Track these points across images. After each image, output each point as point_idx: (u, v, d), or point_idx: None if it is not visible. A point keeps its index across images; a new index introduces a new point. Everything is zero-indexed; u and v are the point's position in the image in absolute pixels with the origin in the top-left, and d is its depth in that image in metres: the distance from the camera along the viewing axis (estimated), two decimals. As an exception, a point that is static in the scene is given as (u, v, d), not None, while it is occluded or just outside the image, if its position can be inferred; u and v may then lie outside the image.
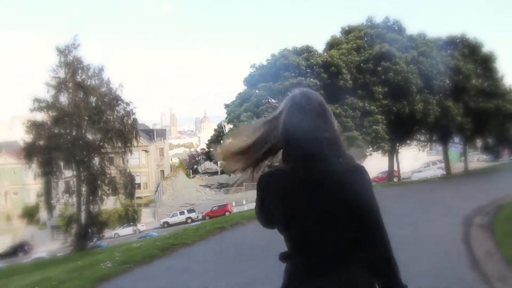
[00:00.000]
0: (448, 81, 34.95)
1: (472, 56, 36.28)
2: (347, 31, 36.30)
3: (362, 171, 1.92)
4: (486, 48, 37.84)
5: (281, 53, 32.69)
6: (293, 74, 31.45)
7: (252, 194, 55.08)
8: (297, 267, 1.96)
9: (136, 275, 8.60)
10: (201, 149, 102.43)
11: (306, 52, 32.97)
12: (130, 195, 34.54)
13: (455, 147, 52.08)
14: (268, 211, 2.07)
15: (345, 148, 1.98)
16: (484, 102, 34.57)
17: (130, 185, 33.54)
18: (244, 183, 61.94)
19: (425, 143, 44.46)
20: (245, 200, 51.36)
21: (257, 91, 33.08)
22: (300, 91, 2.05)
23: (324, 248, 1.88)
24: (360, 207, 1.86)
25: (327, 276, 1.87)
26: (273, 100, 32.98)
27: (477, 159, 66.68)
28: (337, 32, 37.48)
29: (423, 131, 38.46)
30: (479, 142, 56.09)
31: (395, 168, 39.72)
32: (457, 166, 47.78)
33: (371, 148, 32.18)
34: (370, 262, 1.89)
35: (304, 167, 1.88)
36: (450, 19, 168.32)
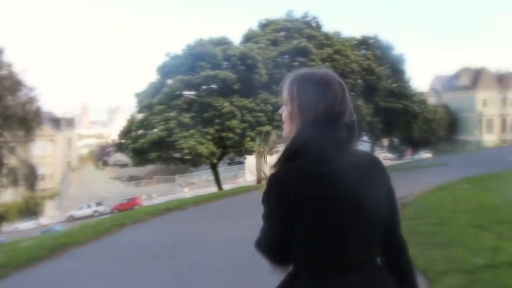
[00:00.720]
0: (360, 81, 35.87)
1: (383, 58, 37.50)
2: (265, 25, 36.13)
3: (380, 161, 1.86)
4: (397, 51, 39.41)
5: (197, 42, 31.84)
6: (209, 65, 30.71)
7: (164, 187, 54.21)
8: None
9: (10, 282, 7.44)
10: (113, 140, 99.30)
11: (223, 43, 32.41)
12: (32, 186, 32.55)
13: (363, 145, 53.99)
14: (291, 216, 1.66)
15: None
16: (393, 102, 35.88)
17: (31, 176, 31.57)
18: (155, 176, 61.03)
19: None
20: (155, 193, 50.28)
21: (170, 82, 32.13)
22: (328, 72, 1.83)
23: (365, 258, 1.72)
24: (390, 203, 1.80)
25: None
26: (188, 92, 32.28)
27: (384, 158, 69.61)
28: (254, 25, 37.36)
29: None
30: (386, 141, 58.43)
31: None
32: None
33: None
34: (395, 263, 1.80)
35: (336, 156, 1.68)
36: (365, 20, 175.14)
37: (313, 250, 1.65)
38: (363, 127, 36.79)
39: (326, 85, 1.75)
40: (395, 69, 38.18)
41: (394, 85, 37.56)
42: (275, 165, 1.75)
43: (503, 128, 69.71)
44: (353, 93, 35.76)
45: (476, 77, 72.16)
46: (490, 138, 67.05)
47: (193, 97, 31.81)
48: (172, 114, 30.75)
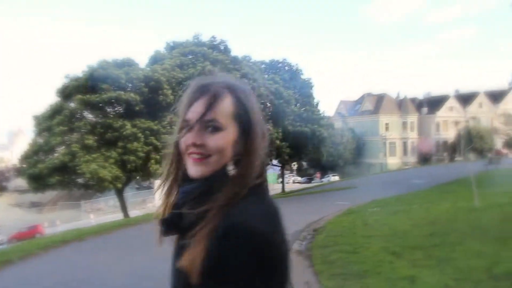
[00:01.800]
0: (269, 105, 35.83)
1: (292, 82, 37.82)
2: (172, 47, 35.28)
3: None
4: (304, 75, 39.99)
5: (99, 64, 30.31)
6: (112, 87, 29.31)
7: (68, 213, 51.12)
8: None
9: None
10: (13, 164, 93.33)
11: (127, 65, 31.12)
12: None
13: (273, 169, 54.24)
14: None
15: None
16: (301, 126, 36.13)
17: None
18: (58, 202, 57.57)
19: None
20: (59, 220, 47.20)
21: (71, 104, 30.30)
22: None
23: None
24: None
25: None
26: (90, 115, 30.62)
27: (293, 181, 70.48)
28: (162, 47, 36.38)
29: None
30: (295, 165, 59.10)
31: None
32: (275, 188, 49.65)
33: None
34: None
35: None
36: (273, 45, 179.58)
37: None
38: (272, 152, 36.75)
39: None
40: (303, 93, 38.61)
41: (303, 109, 37.88)
42: (226, 205, 1.21)
43: (405, 151, 73.07)
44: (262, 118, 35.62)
45: (378, 102, 75.51)
46: (393, 161, 70.02)
47: (95, 119, 30.21)
48: (75, 136, 29.03)
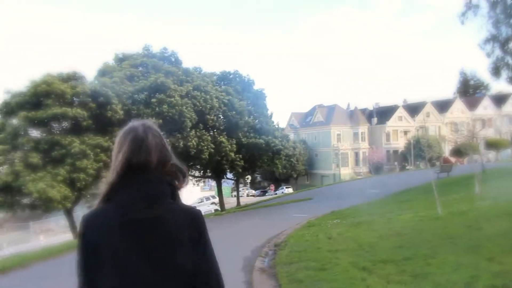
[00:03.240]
0: (222, 117, 35.15)
1: (244, 93, 37.26)
2: (121, 59, 34.05)
3: (198, 214, 1.92)
4: (257, 86, 39.54)
5: (43, 78, 28.71)
6: (57, 103, 27.85)
7: (16, 235, 48.63)
8: None
9: None
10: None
11: (73, 79, 29.65)
12: None
13: (227, 183, 53.49)
14: (93, 256, 1.73)
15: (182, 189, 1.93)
16: (255, 138, 35.59)
17: None
18: (4, 224, 54.70)
19: (199, 178, 44.17)
20: (6, 243, 44.80)
21: (14, 121, 28.59)
22: (142, 123, 1.93)
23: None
24: (196, 248, 1.83)
25: None
26: (34, 131, 28.99)
27: (247, 194, 69.89)
28: (111, 59, 35.02)
29: (198, 166, 37.87)
30: (248, 178, 58.54)
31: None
32: (230, 201, 48.91)
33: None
34: None
35: (138, 207, 1.76)
36: (224, 57, 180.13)
37: None
38: (226, 164, 36.00)
39: (127, 136, 1.86)
40: (256, 104, 38.11)
41: (256, 120, 37.35)
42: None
43: (356, 161, 73.80)
44: (215, 130, 34.89)
45: (329, 113, 76.12)
46: (345, 171, 70.50)
47: (39, 135, 28.62)
48: (18, 154, 27.35)
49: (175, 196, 1.85)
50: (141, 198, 1.75)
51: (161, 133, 1.92)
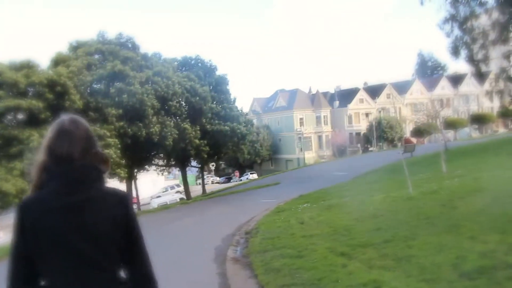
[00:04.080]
0: (184, 103, 34.37)
1: (207, 78, 36.54)
2: (76, 47, 32.58)
3: (125, 197, 2.12)
4: (219, 72, 38.85)
5: (-8, 68, 27.17)
6: (10, 94, 26.52)
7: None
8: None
9: None
10: None
11: (27, 67, 28.17)
12: None
13: (191, 171, 52.73)
14: (29, 238, 1.93)
15: (106, 174, 2.11)
16: (220, 124, 34.99)
17: None
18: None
19: (163, 167, 43.29)
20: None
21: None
22: (69, 117, 2.14)
23: (89, 264, 1.94)
24: (124, 230, 2.03)
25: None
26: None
27: (212, 181, 69.30)
28: (64, 48, 33.48)
29: (161, 154, 37.02)
30: (213, 165, 58.00)
31: (134, 195, 37.25)
32: (195, 189, 48.28)
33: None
34: (134, 278, 2.07)
35: (69, 192, 1.94)
36: (184, 43, 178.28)
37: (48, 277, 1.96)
38: (190, 152, 35.26)
39: (53, 128, 2.08)
40: (219, 90, 37.44)
41: (220, 106, 36.72)
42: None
43: (320, 144, 74.09)
44: (178, 117, 34.05)
45: (291, 98, 76.01)
46: (309, 155, 70.65)
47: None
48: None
49: (101, 180, 2.05)
50: (71, 183, 1.95)
51: (88, 125, 2.16)
